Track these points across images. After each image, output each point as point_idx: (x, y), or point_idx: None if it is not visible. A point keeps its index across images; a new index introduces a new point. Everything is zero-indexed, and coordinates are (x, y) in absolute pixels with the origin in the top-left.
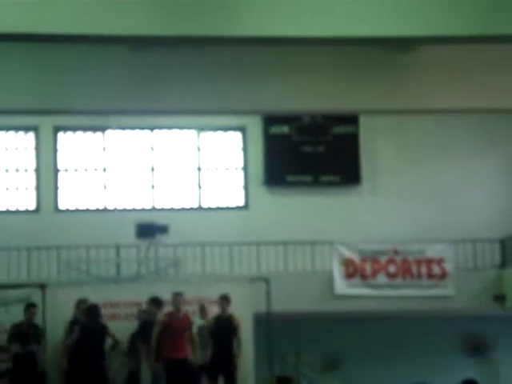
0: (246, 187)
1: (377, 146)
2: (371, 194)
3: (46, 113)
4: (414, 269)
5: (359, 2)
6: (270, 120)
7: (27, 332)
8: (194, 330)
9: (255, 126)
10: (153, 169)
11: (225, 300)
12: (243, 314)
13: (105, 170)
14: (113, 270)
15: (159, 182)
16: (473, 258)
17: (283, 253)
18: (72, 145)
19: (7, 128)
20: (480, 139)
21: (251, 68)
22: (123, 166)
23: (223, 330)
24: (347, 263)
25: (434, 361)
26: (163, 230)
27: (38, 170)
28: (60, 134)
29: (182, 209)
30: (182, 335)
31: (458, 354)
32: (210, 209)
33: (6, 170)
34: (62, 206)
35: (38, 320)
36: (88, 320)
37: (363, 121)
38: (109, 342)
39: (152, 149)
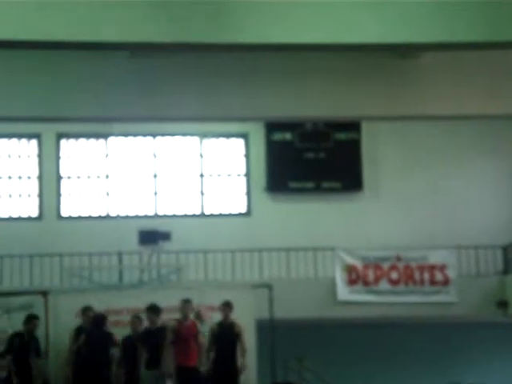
0: (248, 194)
1: (379, 153)
2: (373, 201)
3: (48, 120)
4: (417, 275)
5: (361, 8)
6: (272, 126)
7: (28, 344)
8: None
9: (257, 132)
10: (155, 176)
11: (227, 306)
12: (246, 320)
13: (107, 177)
14: (115, 277)
15: (162, 188)
16: (475, 265)
17: (286, 259)
18: (75, 152)
19: (10, 135)
20: (483, 145)
21: (253, 75)
22: (126, 173)
23: (226, 336)
24: (350, 269)
25: (436, 367)
26: (166, 236)
27: (40, 178)
28: (63, 141)
29: (185, 215)
30: (190, 343)
31: (462, 359)
32: (212, 215)
33: (9, 177)
34: (64, 213)
35: (40, 327)
36: (93, 328)
37: (365, 127)
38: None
39: (154, 156)
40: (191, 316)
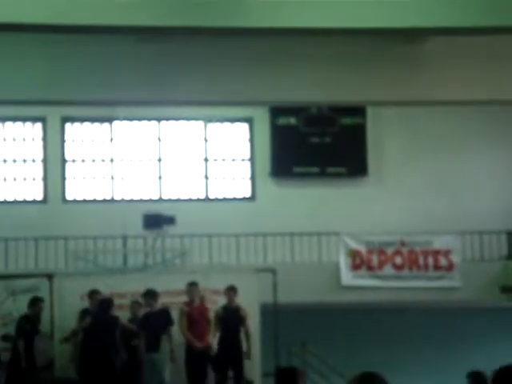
0: (252, 178)
1: (384, 138)
2: (378, 186)
3: (53, 103)
4: (421, 260)
5: None
6: (277, 111)
7: (34, 326)
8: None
9: (262, 117)
10: (160, 160)
11: (232, 291)
12: (250, 304)
13: (112, 160)
14: (120, 260)
15: (166, 172)
16: (480, 250)
17: (290, 244)
18: (79, 135)
19: (15, 119)
20: (487, 130)
21: (258, 59)
22: (130, 157)
23: (231, 320)
24: (354, 254)
25: (440, 352)
26: (170, 220)
27: (45, 161)
28: (67, 125)
29: (189, 200)
30: (201, 324)
31: (465, 344)
32: (216, 200)
33: (14, 161)
34: (69, 196)
35: (45, 310)
36: (99, 312)
37: (370, 112)
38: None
39: (159, 140)
40: (197, 300)
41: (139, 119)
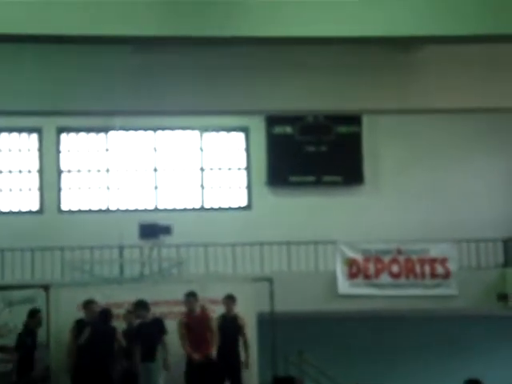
0: (248, 187)
1: (380, 146)
2: (374, 194)
3: (49, 114)
4: (418, 268)
5: (363, 1)
6: (272, 120)
7: (34, 340)
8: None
9: (258, 126)
10: (156, 169)
11: (230, 300)
12: (247, 314)
13: (108, 170)
14: (116, 270)
15: (162, 182)
16: (476, 258)
17: (286, 253)
18: (75, 146)
19: (11, 129)
20: (483, 138)
21: (254, 68)
22: (126, 167)
23: (229, 329)
24: (350, 263)
25: (437, 360)
26: (166, 230)
27: (41, 171)
28: (63, 135)
29: (185, 209)
30: (199, 334)
31: (463, 352)
32: (212, 209)
33: (10, 171)
34: (65, 206)
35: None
36: (99, 323)
37: (366, 121)
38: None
39: (155, 149)
40: (197, 310)
41: (135, 129)
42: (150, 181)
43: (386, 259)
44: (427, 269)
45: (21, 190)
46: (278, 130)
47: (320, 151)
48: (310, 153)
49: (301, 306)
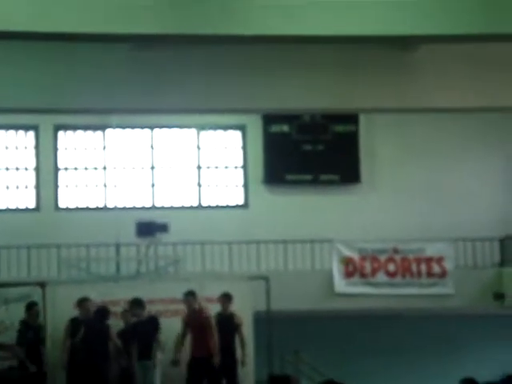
0: (245, 186)
1: (376, 145)
2: (371, 193)
3: (46, 112)
4: (414, 267)
5: (359, 1)
6: (269, 119)
7: (36, 333)
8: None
9: (255, 124)
10: (153, 167)
11: (225, 298)
12: (243, 312)
13: (105, 168)
14: (113, 268)
15: (159, 180)
16: (472, 257)
17: (283, 251)
18: (72, 143)
19: (7, 127)
20: (481, 137)
21: (251, 67)
22: (123, 165)
23: (225, 327)
24: (347, 262)
25: (433, 359)
26: (163, 228)
27: (38, 169)
28: (60, 133)
29: (182, 207)
30: (200, 333)
31: (459, 351)
32: (209, 207)
33: (7, 169)
34: (62, 204)
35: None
36: (95, 321)
37: (363, 119)
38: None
39: (152, 147)
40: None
41: (132, 127)
42: (147, 179)
43: (383, 258)
44: (423, 268)
45: (17, 187)
46: (275, 128)
47: (317, 150)
48: (307, 151)
49: (297, 304)
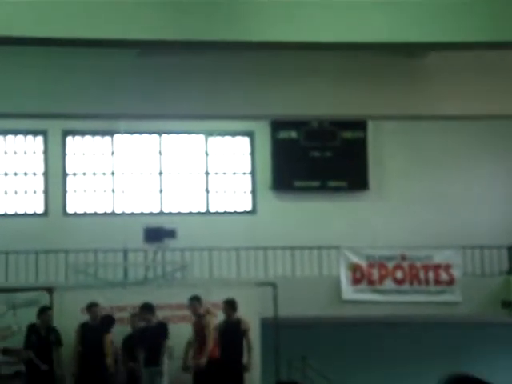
0: (253, 192)
1: (385, 152)
2: (379, 200)
3: (54, 117)
4: (422, 274)
5: (369, 7)
6: (277, 125)
7: (47, 336)
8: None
9: (263, 130)
10: (161, 173)
11: (227, 304)
12: (250, 318)
13: (113, 174)
14: (120, 273)
15: (167, 186)
16: (480, 265)
17: (290, 258)
18: (80, 149)
19: (16, 132)
20: (489, 145)
21: (259, 73)
22: (131, 171)
23: (231, 333)
24: (354, 268)
25: (441, 366)
26: (171, 234)
27: (46, 174)
28: (69, 138)
29: (190, 213)
30: (203, 339)
31: (466, 359)
32: (217, 213)
33: (15, 174)
34: (70, 209)
35: None
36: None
37: (371, 126)
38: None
39: (160, 153)
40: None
41: (140, 133)
42: (155, 184)
43: (390, 265)
44: (431, 275)
45: (26, 192)
46: (283, 134)
47: (325, 156)
48: (315, 158)
49: (304, 311)
